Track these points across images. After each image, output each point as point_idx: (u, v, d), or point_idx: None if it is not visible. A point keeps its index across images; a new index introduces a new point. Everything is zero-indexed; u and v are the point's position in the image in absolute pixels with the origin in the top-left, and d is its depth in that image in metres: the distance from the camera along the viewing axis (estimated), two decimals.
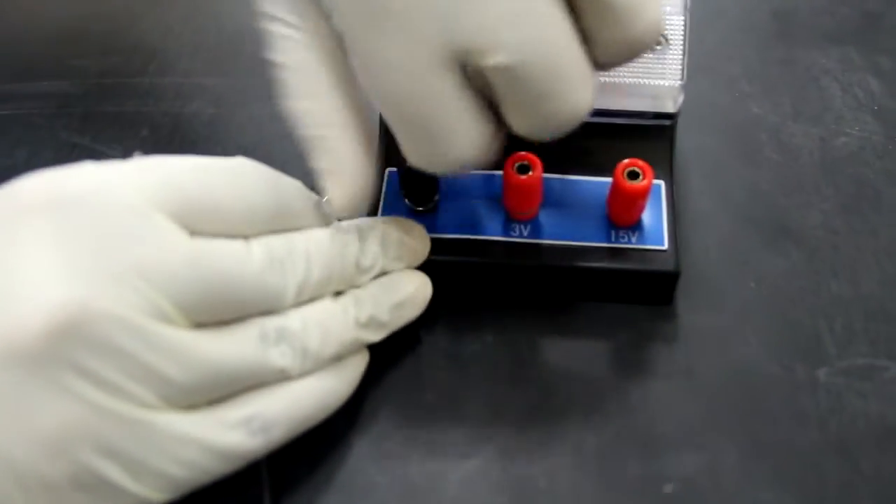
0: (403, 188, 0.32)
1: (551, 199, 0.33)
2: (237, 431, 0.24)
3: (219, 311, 0.24)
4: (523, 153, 0.30)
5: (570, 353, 0.32)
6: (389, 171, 0.34)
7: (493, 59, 0.23)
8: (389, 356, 0.31)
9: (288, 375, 0.26)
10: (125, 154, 0.39)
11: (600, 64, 0.25)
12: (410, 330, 0.31)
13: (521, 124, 0.25)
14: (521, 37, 0.23)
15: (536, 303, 0.33)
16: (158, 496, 0.23)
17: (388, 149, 0.34)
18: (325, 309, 0.27)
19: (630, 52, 0.25)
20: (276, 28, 0.27)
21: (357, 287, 0.28)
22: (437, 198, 0.33)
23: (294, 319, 0.26)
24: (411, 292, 0.29)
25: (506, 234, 0.32)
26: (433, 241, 0.31)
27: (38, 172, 0.24)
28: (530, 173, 0.30)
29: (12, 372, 0.21)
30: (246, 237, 0.26)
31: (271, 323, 0.26)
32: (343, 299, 0.28)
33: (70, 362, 0.21)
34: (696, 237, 0.35)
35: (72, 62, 0.46)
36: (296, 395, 0.26)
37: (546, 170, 0.31)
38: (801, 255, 0.34)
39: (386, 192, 0.33)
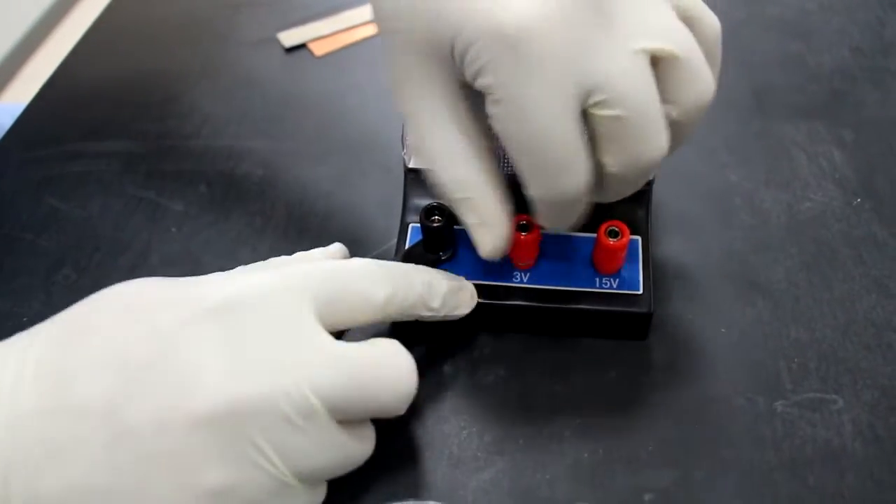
0: (424, 240, 0.36)
1: (547, 251, 0.36)
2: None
3: (357, 407, 0.29)
4: (523, 215, 0.34)
5: (568, 385, 0.35)
6: (412, 227, 0.37)
7: (611, 111, 0.27)
8: (421, 389, 0.34)
9: None
10: (186, 207, 0.44)
11: (672, 119, 0.29)
12: (437, 365, 0.36)
13: (615, 163, 0.29)
14: (635, 92, 0.27)
15: (540, 342, 0.36)
16: None
17: (408, 206, 0.38)
18: None
19: (697, 109, 0.29)
20: (419, 119, 0.31)
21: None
22: (450, 251, 0.36)
23: None
24: None
25: (510, 280, 0.36)
26: None
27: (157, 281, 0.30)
28: (530, 231, 0.34)
29: (182, 435, 0.26)
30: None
31: None
32: None
33: (235, 436, 0.26)
34: (677, 288, 0.38)
35: (134, 125, 0.50)
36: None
37: (542, 227, 0.35)
38: (766, 304, 0.38)
39: (409, 244, 0.37)
